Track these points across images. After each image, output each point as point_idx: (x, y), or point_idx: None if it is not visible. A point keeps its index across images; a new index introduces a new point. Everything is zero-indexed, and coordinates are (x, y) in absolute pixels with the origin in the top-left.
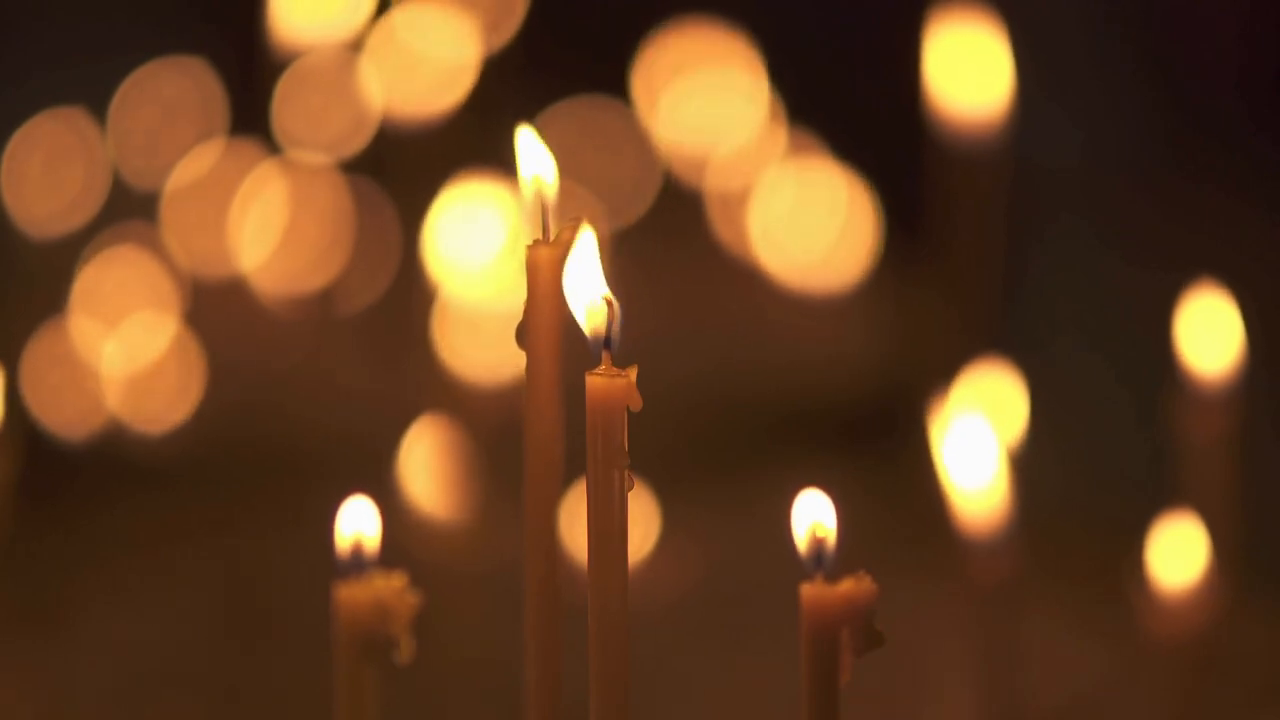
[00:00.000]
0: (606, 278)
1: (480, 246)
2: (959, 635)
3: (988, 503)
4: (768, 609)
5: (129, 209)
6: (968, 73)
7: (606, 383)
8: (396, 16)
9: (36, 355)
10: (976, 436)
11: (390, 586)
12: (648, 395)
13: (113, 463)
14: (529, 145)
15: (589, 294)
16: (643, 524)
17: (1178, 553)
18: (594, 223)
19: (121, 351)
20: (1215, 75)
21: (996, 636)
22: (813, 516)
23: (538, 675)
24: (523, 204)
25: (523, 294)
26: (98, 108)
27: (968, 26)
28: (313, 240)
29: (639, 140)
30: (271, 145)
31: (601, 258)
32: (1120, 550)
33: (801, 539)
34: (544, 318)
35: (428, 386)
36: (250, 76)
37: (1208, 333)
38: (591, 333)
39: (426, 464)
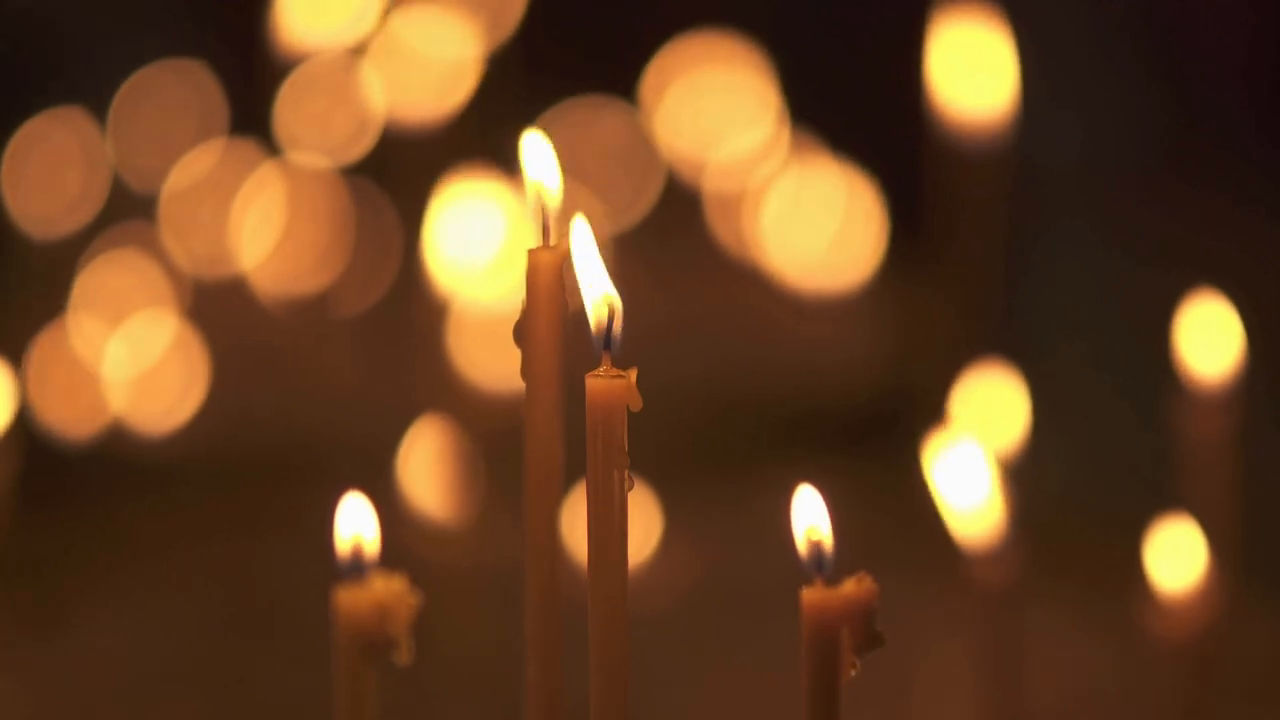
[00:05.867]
0: (609, 274)
1: (480, 247)
2: (959, 636)
3: (982, 522)
4: (768, 609)
5: (129, 210)
6: (972, 74)
7: (606, 383)
8: (398, 19)
9: (38, 356)
10: (968, 461)
11: (390, 589)
12: (648, 395)
13: (114, 463)
14: (535, 150)
15: (593, 287)
16: (643, 524)
17: (1178, 553)
18: (595, 223)
19: (123, 352)
20: (1218, 77)
21: (997, 637)
22: (808, 520)
23: (538, 675)
24: (527, 208)
25: (522, 295)
26: (98, 108)
27: (972, 27)
28: (313, 241)
29: (641, 140)
30: (271, 147)
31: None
32: (1121, 551)
33: (799, 542)
34: (543, 319)
35: (428, 387)
36: (250, 78)
37: (1209, 335)
38: (595, 327)
39: (427, 465)
